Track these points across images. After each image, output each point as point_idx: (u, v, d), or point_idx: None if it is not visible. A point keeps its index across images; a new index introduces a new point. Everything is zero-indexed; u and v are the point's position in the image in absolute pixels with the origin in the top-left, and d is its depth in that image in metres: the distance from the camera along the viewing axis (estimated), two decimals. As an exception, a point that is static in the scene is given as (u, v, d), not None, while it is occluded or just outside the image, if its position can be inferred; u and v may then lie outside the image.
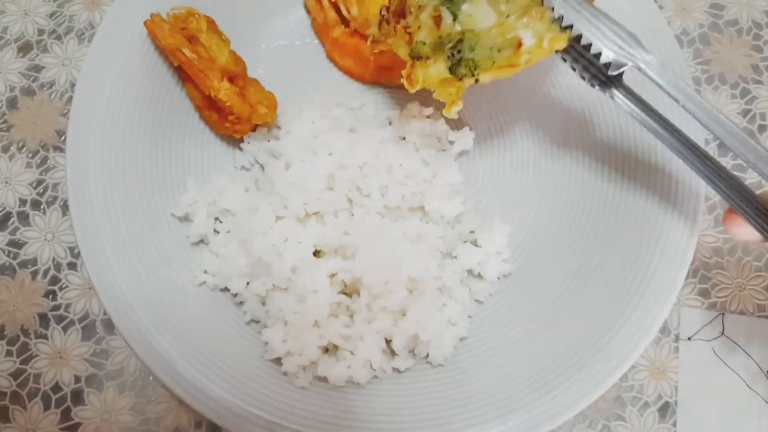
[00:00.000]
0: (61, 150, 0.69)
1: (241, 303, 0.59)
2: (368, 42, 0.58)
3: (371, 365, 0.56)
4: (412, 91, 0.52)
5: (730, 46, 0.75)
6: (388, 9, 0.56)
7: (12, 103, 0.71)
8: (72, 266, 0.66)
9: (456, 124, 0.66)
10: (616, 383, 0.55)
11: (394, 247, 0.57)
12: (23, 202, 0.68)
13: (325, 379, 0.56)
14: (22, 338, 0.64)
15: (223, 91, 0.59)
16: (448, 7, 0.51)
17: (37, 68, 0.72)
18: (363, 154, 0.59)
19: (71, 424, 0.62)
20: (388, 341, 0.58)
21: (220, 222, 0.61)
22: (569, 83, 0.65)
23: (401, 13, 0.54)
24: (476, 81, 0.50)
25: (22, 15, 0.74)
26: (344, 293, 0.58)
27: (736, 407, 0.63)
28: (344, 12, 0.65)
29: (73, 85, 0.71)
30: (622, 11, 0.62)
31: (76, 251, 0.66)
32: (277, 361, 0.56)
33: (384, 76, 0.66)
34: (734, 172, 0.51)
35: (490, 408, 0.54)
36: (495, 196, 0.65)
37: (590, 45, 0.49)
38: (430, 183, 0.61)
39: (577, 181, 0.63)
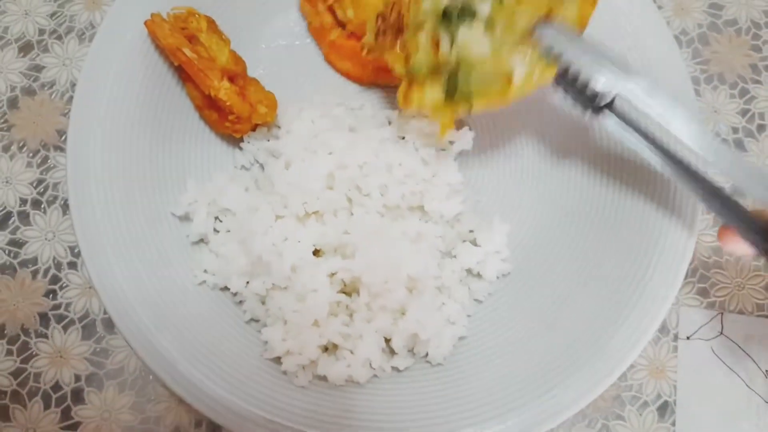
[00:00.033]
0: (62, 149, 0.69)
1: (240, 302, 0.59)
2: (363, 52, 0.58)
3: (371, 364, 0.57)
4: (406, 110, 0.54)
5: (729, 46, 0.75)
6: (384, 19, 0.56)
7: (13, 103, 0.71)
8: (72, 265, 0.66)
9: (456, 124, 0.66)
10: (615, 382, 0.55)
11: (394, 247, 0.57)
12: (24, 201, 0.68)
13: (324, 378, 0.56)
14: (23, 337, 0.64)
15: (223, 90, 0.59)
16: (446, 27, 0.51)
17: (38, 68, 0.72)
18: (363, 154, 0.59)
19: (71, 423, 0.62)
20: (387, 340, 0.58)
21: (220, 221, 0.61)
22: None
23: (398, 28, 0.54)
24: (470, 110, 0.52)
25: (23, 15, 0.74)
26: (344, 292, 0.58)
27: (735, 406, 0.64)
28: (340, 15, 0.64)
29: (73, 85, 0.71)
30: (621, 11, 0.62)
31: (76, 250, 0.67)
32: (277, 360, 0.56)
33: (382, 77, 0.66)
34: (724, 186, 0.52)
35: (490, 407, 0.54)
36: (494, 196, 0.65)
37: (578, 76, 0.50)
38: (429, 182, 0.61)
39: (577, 181, 0.64)
